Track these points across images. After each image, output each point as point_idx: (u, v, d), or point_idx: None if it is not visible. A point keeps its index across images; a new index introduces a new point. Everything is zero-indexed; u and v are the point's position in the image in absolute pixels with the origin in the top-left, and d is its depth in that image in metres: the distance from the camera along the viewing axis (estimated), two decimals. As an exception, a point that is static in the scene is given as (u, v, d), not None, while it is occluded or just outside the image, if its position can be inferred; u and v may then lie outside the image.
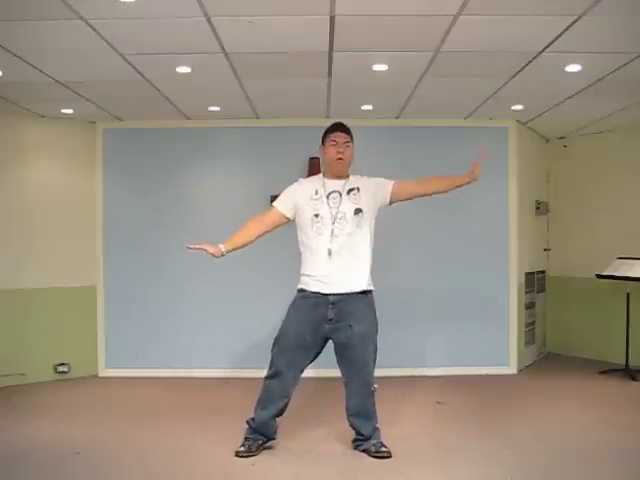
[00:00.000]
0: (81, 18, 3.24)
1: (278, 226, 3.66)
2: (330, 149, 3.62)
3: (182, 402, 4.91)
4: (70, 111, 5.39)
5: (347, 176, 3.66)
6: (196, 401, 4.93)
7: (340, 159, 3.60)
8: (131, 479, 3.32)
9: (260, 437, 3.62)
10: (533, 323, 6.39)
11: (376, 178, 3.69)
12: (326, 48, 3.82)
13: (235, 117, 5.70)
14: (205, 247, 3.53)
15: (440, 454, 3.58)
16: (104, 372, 5.80)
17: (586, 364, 6.10)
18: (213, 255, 3.53)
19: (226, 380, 5.36)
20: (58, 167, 5.74)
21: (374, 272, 3.67)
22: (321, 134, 3.75)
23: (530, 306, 6.31)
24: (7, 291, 5.40)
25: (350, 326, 3.49)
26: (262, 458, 3.55)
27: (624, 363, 5.66)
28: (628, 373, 5.56)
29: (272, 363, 3.58)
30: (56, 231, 5.65)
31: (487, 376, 5.67)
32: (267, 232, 3.64)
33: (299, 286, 3.61)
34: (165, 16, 3.28)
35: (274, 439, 3.69)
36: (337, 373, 3.70)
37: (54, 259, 5.62)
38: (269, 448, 3.67)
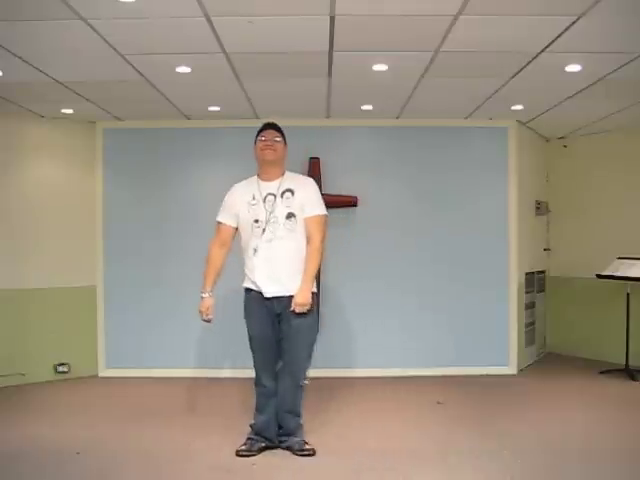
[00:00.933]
0: (81, 18, 3.24)
1: (233, 239, 3.75)
2: (258, 144, 3.64)
3: (182, 402, 4.91)
4: (70, 111, 5.39)
5: (281, 175, 3.65)
6: (196, 401, 4.93)
7: (268, 148, 3.58)
8: (131, 479, 3.32)
9: (262, 439, 3.63)
10: (533, 323, 6.39)
11: (312, 194, 3.63)
12: (326, 48, 3.81)
13: (235, 117, 5.69)
14: (210, 314, 3.66)
15: (440, 454, 3.58)
16: (104, 372, 5.80)
17: (586, 364, 6.10)
18: (208, 307, 3.64)
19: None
20: (58, 167, 5.74)
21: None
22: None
23: (530, 306, 6.31)
24: (7, 291, 5.40)
25: (289, 319, 3.55)
26: (262, 458, 3.55)
27: (624, 363, 5.66)
28: (628, 373, 5.56)
29: (255, 368, 3.68)
30: (56, 231, 5.65)
31: (487, 376, 5.67)
32: (229, 249, 3.74)
33: (244, 285, 3.67)
34: (165, 16, 3.28)
35: (276, 444, 3.67)
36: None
37: (54, 259, 5.62)
38: (270, 448, 3.67)
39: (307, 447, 3.60)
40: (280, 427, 3.67)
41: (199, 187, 5.91)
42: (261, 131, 3.68)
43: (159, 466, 3.47)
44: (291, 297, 3.52)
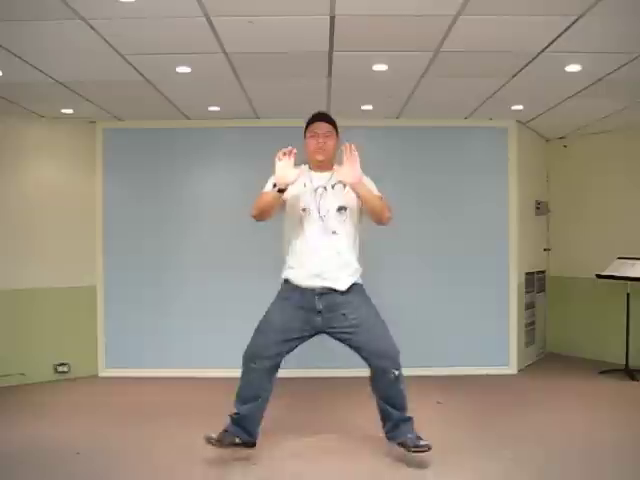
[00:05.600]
0: (81, 18, 3.24)
1: (277, 211, 3.47)
2: (310, 141, 3.48)
3: (182, 402, 4.91)
4: (70, 111, 5.39)
5: (332, 167, 3.50)
6: (196, 401, 4.93)
7: (319, 150, 3.45)
8: (130, 479, 3.32)
9: (240, 433, 3.44)
10: (533, 323, 6.39)
11: (366, 179, 3.48)
12: (326, 48, 3.82)
13: (235, 117, 5.70)
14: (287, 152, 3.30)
15: (440, 454, 3.56)
16: (104, 372, 5.80)
17: (586, 364, 6.10)
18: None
19: None
20: (58, 167, 5.74)
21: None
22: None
23: (530, 306, 6.31)
24: (7, 291, 5.40)
25: (343, 315, 3.38)
26: (263, 458, 3.53)
27: (624, 363, 5.66)
28: (628, 373, 5.56)
29: (251, 349, 3.44)
30: (56, 231, 5.65)
31: (487, 376, 5.67)
32: (270, 217, 3.44)
33: (283, 276, 3.49)
34: (165, 16, 3.28)
35: (254, 444, 3.50)
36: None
37: (54, 259, 5.62)
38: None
39: (422, 443, 3.36)
40: (385, 422, 3.48)
41: (199, 187, 5.91)
42: (311, 123, 3.49)
43: (159, 466, 3.47)
44: (338, 292, 3.37)
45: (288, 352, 3.48)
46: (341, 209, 3.44)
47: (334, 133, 3.51)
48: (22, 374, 5.40)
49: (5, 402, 4.87)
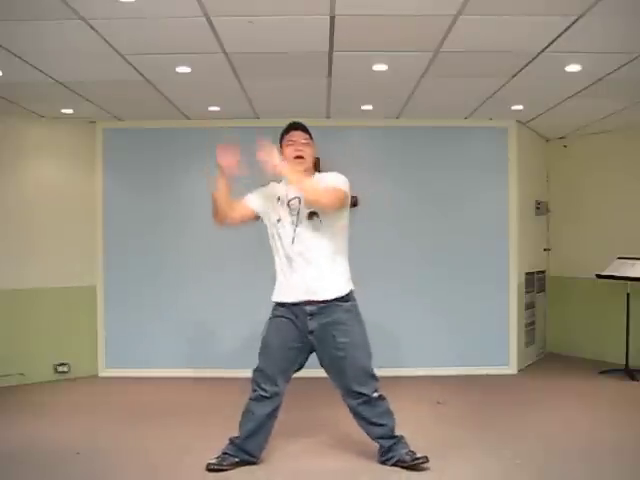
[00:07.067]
0: (81, 18, 3.24)
1: (244, 219, 3.51)
2: (287, 149, 3.40)
3: (182, 402, 4.91)
4: (70, 111, 5.39)
5: (311, 177, 3.42)
6: (196, 401, 4.93)
7: (298, 157, 3.37)
8: (131, 479, 3.32)
9: (240, 454, 3.42)
10: (533, 323, 6.39)
11: (328, 177, 3.40)
12: (326, 48, 3.82)
13: (235, 117, 5.70)
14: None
15: (440, 454, 3.57)
16: (104, 372, 5.80)
17: (586, 364, 6.10)
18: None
19: None
20: (58, 167, 5.74)
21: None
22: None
23: (530, 306, 6.31)
24: (7, 291, 5.40)
25: (333, 336, 3.31)
26: (264, 458, 3.52)
27: (624, 363, 5.66)
28: (628, 373, 5.56)
29: (259, 370, 3.41)
30: (56, 231, 5.65)
31: (487, 376, 5.67)
32: (233, 220, 3.51)
33: (273, 298, 3.44)
34: (165, 16, 3.28)
35: (255, 462, 3.45)
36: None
37: (54, 259, 5.62)
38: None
39: (418, 456, 3.35)
40: (381, 448, 3.44)
41: (199, 187, 5.87)
42: (287, 132, 3.46)
43: (159, 466, 3.47)
44: (330, 305, 3.31)
45: (290, 372, 3.43)
46: (312, 215, 3.33)
47: (311, 142, 3.44)
48: (22, 374, 5.40)
49: (5, 402, 4.87)
